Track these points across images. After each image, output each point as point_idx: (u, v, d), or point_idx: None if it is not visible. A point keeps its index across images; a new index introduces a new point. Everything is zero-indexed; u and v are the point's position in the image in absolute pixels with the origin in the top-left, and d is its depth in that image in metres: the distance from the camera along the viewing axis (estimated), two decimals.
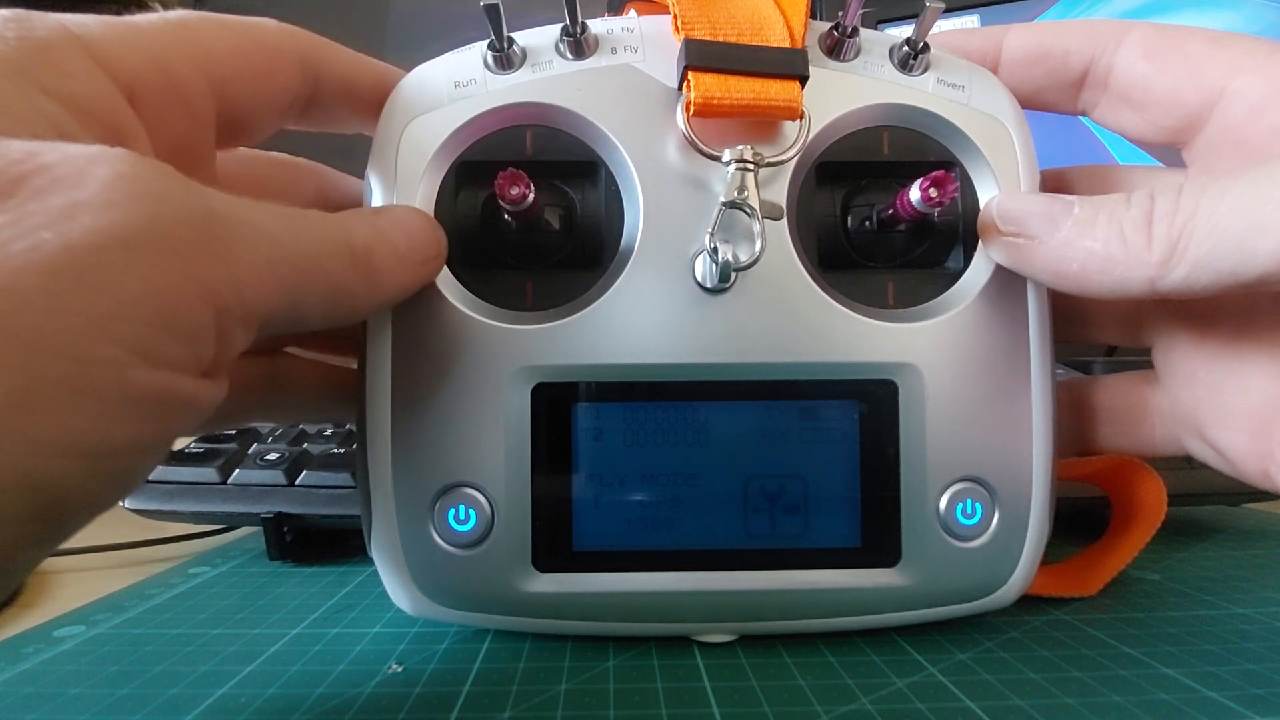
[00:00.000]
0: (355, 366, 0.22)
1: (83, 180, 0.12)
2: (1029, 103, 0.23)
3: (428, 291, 0.21)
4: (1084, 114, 0.23)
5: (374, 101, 0.22)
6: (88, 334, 0.12)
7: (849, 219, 0.23)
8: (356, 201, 0.24)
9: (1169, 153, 0.22)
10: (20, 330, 0.11)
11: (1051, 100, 0.23)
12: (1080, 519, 0.31)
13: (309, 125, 0.22)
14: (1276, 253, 0.16)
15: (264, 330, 0.15)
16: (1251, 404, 0.20)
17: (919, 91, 0.22)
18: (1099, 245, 0.18)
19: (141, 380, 0.12)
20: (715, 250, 0.20)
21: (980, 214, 0.21)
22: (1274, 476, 0.20)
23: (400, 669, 0.21)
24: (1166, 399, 0.23)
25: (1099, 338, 0.25)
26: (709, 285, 0.21)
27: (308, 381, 0.24)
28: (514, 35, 0.21)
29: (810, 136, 0.21)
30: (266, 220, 0.15)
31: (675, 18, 0.21)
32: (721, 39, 0.21)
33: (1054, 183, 0.24)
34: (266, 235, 0.14)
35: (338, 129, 0.23)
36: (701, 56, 0.20)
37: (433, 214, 0.21)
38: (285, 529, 0.31)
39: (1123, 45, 0.21)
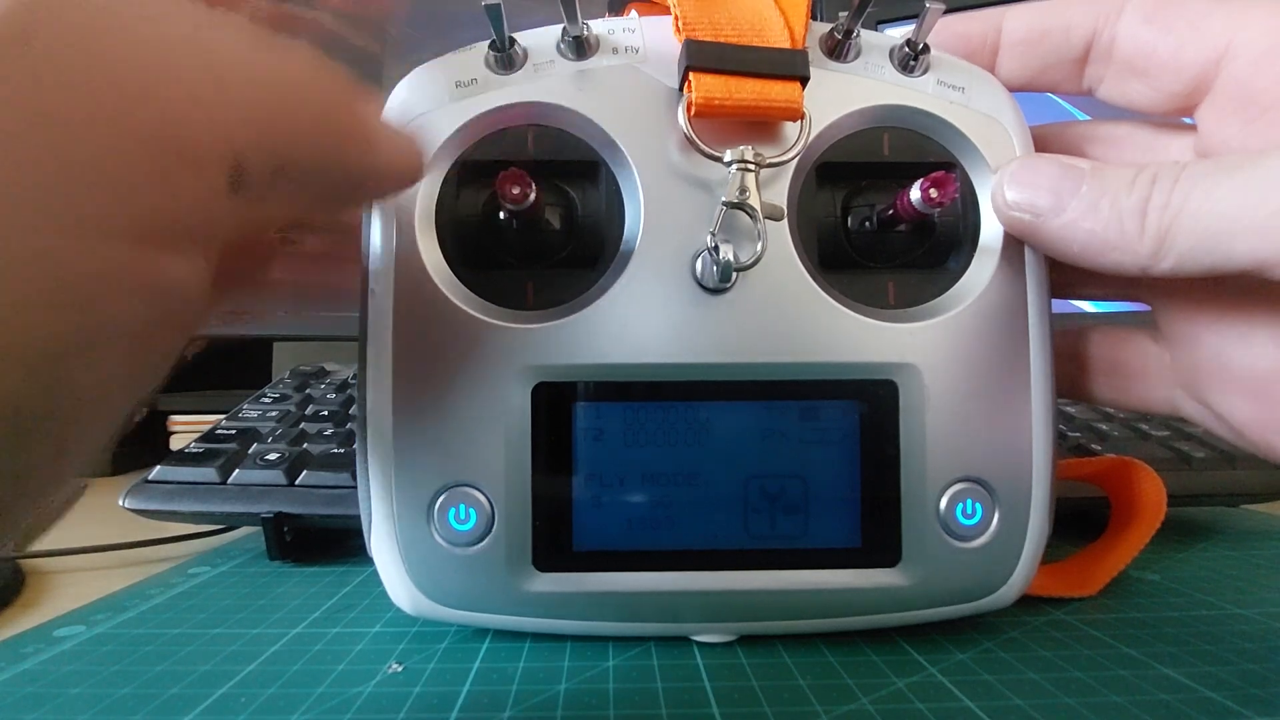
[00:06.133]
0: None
1: None
2: (1032, 85, 0.23)
3: (428, 290, 0.21)
4: (1090, 92, 0.23)
5: None
6: None
7: (849, 219, 0.23)
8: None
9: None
10: None
11: (1056, 80, 0.23)
12: (1080, 519, 0.31)
13: None
14: (1251, 255, 0.16)
15: (252, 187, 0.12)
16: (1256, 369, 0.20)
17: (919, 93, 0.22)
18: (1099, 229, 0.18)
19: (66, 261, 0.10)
20: (716, 250, 0.20)
21: (993, 183, 0.21)
22: (1278, 446, 0.20)
23: (400, 669, 0.21)
24: (1167, 358, 0.22)
25: (1097, 295, 0.25)
26: (709, 285, 0.21)
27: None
28: (515, 35, 0.21)
29: (811, 137, 0.21)
30: (218, 29, 0.12)
31: (676, 19, 0.21)
32: (722, 40, 0.21)
33: (1064, 139, 0.24)
34: (216, 44, 0.11)
35: None
36: (703, 57, 0.20)
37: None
38: (285, 529, 0.31)
39: (1124, 13, 0.21)
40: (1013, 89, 0.23)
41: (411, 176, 0.18)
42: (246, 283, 0.20)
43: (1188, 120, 0.22)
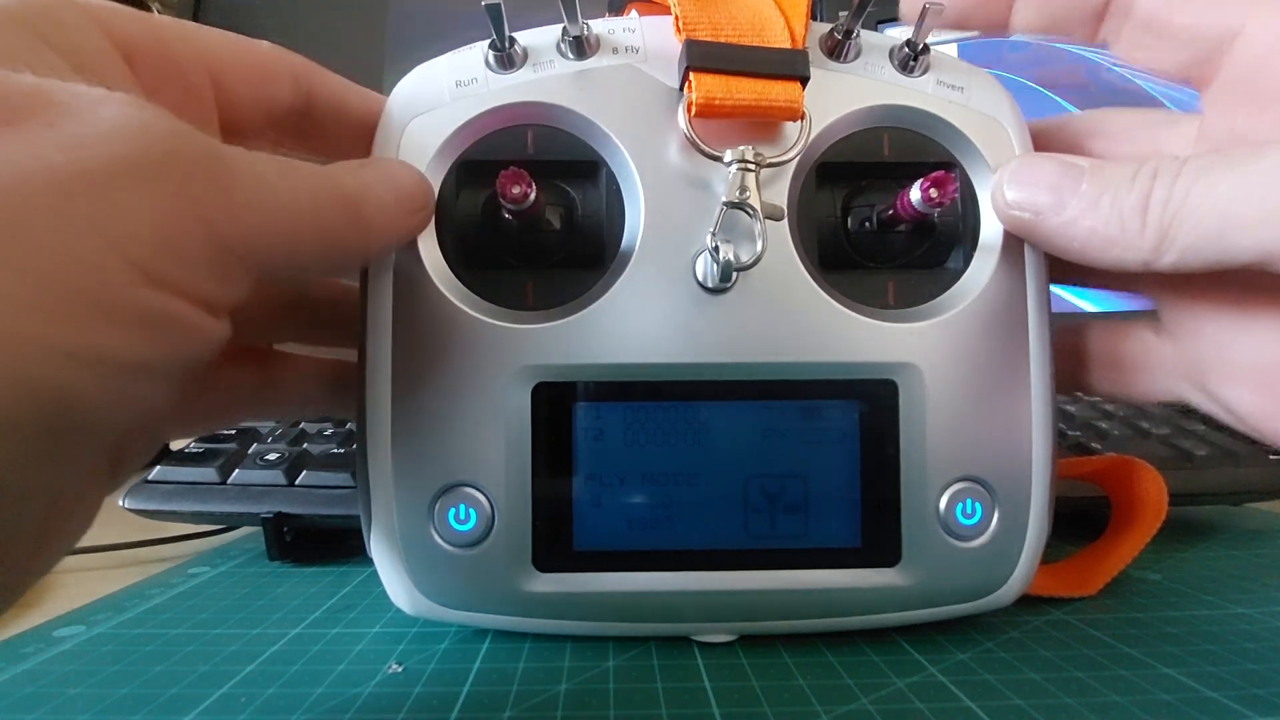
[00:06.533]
0: (345, 359, 0.22)
1: (90, 117, 0.13)
2: (1048, 32, 0.22)
3: (428, 290, 0.21)
4: (1104, 44, 0.22)
5: (363, 123, 0.22)
6: (96, 246, 0.12)
7: (849, 219, 0.23)
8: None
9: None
10: (31, 232, 0.11)
11: (1071, 29, 0.22)
12: (1080, 519, 0.31)
13: (305, 145, 0.22)
14: (1254, 249, 0.16)
15: (265, 274, 0.15)
16: (1261, 360, 0.20)
17: (919, 93, 0.22)
18: (1100, 225, 0.18)
19: (146, 299, 0.13)
20: (716, 250, 0.20)
21: (993, 182, 0.21)
22: None
23: (400, 669, 0.21)
24: (1169, 350, 0.22)
25: (1099, 286, 0.25)
26: (710, 285, 0.21)
27: (302, 376, 0.25)
28: (515, 35, 0.21)
29: (811, 137, 0.21)
30: (262, 168, 0.15)
31: (676, 19, 0.21)
32: (723, 40, 0.21)
33: (1064, 133, 0.24)
34: (264, 181, 0.15)
35: (331, 151, 0.23)
36: (703, 57, 0.20)
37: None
38: (285, 529, 0.31)
39: None
40: (1028, 35, 0.23)
41: (412, 231, 0.20)
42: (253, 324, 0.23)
43: (1193, 110, 0.21)
